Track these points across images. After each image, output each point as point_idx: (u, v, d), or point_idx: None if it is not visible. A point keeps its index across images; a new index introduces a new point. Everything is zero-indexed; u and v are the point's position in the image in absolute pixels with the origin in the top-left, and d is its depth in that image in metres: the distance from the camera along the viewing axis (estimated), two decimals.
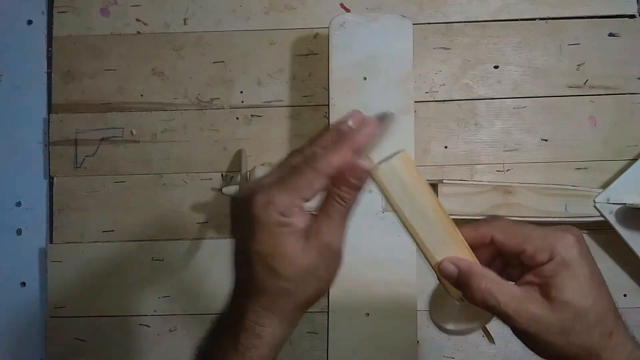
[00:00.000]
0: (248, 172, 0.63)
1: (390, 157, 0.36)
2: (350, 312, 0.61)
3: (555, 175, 0.70)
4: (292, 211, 0.34)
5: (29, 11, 0.77)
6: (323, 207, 0.35)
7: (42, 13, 0.77)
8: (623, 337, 0.36)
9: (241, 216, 0.36)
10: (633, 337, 0.37)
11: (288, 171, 0.35)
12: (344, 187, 0.35)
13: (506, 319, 0.35)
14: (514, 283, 0.36)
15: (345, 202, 0.35)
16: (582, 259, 0.36)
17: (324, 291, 0.37)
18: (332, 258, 0.36)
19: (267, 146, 0.72)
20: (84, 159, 0.75)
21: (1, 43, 0.77)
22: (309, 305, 0.36)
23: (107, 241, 0.74)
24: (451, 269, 0.37)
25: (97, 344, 0.73)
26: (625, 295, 0.70)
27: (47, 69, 0.77)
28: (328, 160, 0.34)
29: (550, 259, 0.35)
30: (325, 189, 0.35)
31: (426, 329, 0.70)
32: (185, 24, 0.75)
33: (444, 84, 0.73)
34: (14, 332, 0.75)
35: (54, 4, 0.76)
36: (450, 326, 0.39)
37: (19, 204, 0.76)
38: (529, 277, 0.35)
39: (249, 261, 0.35)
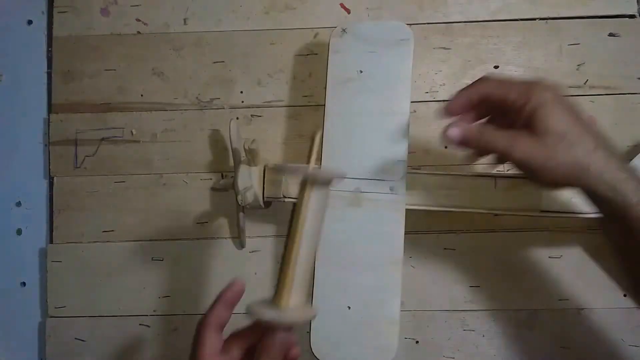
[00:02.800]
0: (244, 144, 0.63)
1: (326, 183, 0.44)
2: (333, 306, 0.61)
3: None
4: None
5: (29, 11, 0.77)
6: None
7: (42, 13, 0.77)
8: (608, 153, 0.42)
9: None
10: (620, 157, 0.42)
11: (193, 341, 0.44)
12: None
13: (506, 154, 0.42)
14: None
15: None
16: (553, 100, 0.42)
17: None
18: None
19: (267, 146, 0.72)
20: (84, 159, 0.75)
21: (1, 43, 0.77)
22: None
23: (107, 241, 0.74)
24: (456, 131, 0.44)
25: (97, 344, 0.73)
26: (625, 295, 0.70)
27: (47, 69, 0.77)
28: (209, 318, 0.45)
29: (526, 102, 0.42)
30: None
31: (426, 329, 0.70)
32: (185, 24, 0.75)
33: (444, 84, 0.73)
34: (13, 332, 0.75)
35: (54, 4, 0.77)
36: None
37: (19, 204, 0.76)
38: (516, 125, 0.43)
39: None
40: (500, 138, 0.42)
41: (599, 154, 0.41)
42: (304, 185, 0.45)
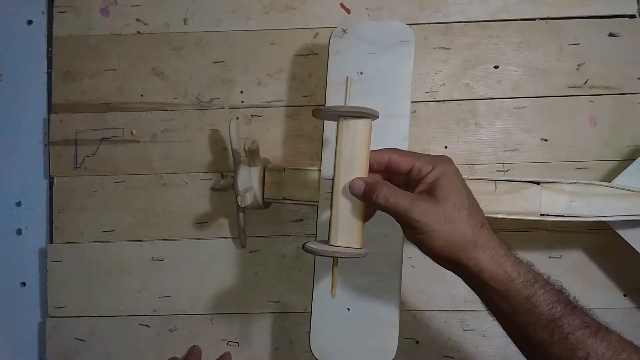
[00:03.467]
0: (244, 145, 0.62)
1: (359, 117, 0.46)
2: (332, 308, 0.61)
3: (555, 175, 0.70)
4: None
5: (29, 11, 0.77)
6: None
7: (42, 13, 0.77)
8: (490, 232, 0.45)
9: None
10: (496, 235, 0.45)
11: None
12: None
13: (404, 213, 0.43)
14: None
15: None
16: (454, 173, 0.45)
17: None
18: None
19: (267, 146, 0.72)
20: (84, 159, 0.75)
21: (1, 43, 0.77)
22: None
23: (107, 241, 0.74)
24: (360, 183, 0.45)
25: (97, 344, 0.73)
26: (625, 295, 0.70)
27: (47, 69, 0.77)
28: None
29: (432, 170, 0.45)
30: None
31: (426, 329, 0.70)
32: (185, 24, 0.75)
33: (444, 84, 0.73)
34: (13, 332, 0.75)
35: (54, 4, 0.77)
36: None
37: (19, 204, 0.76)
38: (418, 189, 0.45)
39: None
40: (401, 196, 0.44)
41: (484, 230, 0.44)
42: (338, 124, 0.46)
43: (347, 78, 0.46)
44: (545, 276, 0.44)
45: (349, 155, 0.46)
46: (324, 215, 0.61)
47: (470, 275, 0.44)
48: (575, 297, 0.44)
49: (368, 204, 0.46)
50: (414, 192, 0.45)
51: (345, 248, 0.46)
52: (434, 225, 0.43)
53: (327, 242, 0.47)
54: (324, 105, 0.62)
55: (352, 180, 0.46)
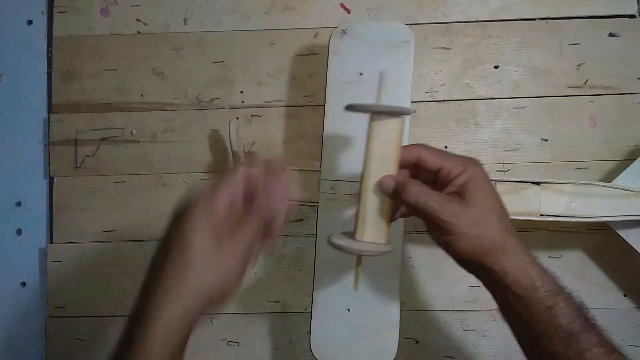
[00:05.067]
0: (243, 147, 0.62)
1: (392, 116, 0.45)
2: (332, 308, 0.61)
3: (555, 175, 0.70)
4: (215, 216, 0.41)
5: (29, 11, 0.77)
6: (240, 235, 0.42)
7: (42, 13, 0.77)
8: (518, 238, 0.44)
9: (177, 217, 0.41)
10: (524, 243, 0.44)
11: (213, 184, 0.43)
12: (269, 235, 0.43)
13: (433, 213, 0.43)
14: None
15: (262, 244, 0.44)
16: (485, 178, 0.45)
17: (221, 295, 0.42)
18: (233, 271, 0.41)
19: (267, 146, 0.72)
20: (84, 159, 0.75)
21: (1, 43, 0.77)
22: (207, 303, 0.41)
23: (107, 241, 0.74)
24: (390, 181, 0.45)
25: (97, 344, 0.73)
26: (625, 295, 0.70)
27: (47, 69, 0.77)
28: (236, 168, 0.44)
29: (463, 172, 0.44)
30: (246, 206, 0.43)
31: (426, 329, 0.70)
32: (185, 24, 0.75)
33: (444, 84, 0.73)
34: (14, 332, 0.75)
35: (54, 4, 0.76)
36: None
37: (19, 204, 0.76)
38: (447, 190, 0.45)
39: (165, 252, 0.41)
40: (431, 196, 0.43)
41: (513, 238, 0.44)
42: (370, 121, 0.46)
43: (381, 73, 0.46)
44: (567, 290, 0.44)
45: (381, 153, 0.46)
46: (324, 215, 0.61)
47: (495, 280, 0.44)
48: (593, 316, 0.44)
49: (397, 201, 0.46)
50: (443, 192, 0.45)
51: (372, 244, 0.46)
52: (463, 228, 0.42)
53: (352, 237, 0.46)
54: (324, 105, 0.62)
55: (382, 178, 0.45)
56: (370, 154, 0.46)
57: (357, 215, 0.47)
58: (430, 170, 0.46)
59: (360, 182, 0.47)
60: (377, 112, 0.45)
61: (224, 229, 0.41)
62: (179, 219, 0.41)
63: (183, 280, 0.39)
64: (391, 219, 0.48)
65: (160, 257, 0.41)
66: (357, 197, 0.47)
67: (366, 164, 0.46)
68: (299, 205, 0.63)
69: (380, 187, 0.45)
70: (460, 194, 0.44)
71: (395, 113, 0.45)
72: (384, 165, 0.46)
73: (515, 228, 0.45)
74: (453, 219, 0.42)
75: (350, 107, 0.46)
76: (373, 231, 0.46)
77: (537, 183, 0.61)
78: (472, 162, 0.45)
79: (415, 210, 0.44)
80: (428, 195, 0.43)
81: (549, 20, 0.73)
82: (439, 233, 0.44)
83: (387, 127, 0.45)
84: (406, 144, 0.61)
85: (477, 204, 0.43)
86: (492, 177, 0.62)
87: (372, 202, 0.46)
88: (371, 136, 0.46)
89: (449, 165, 0.45)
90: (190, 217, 0.40)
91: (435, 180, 0.46)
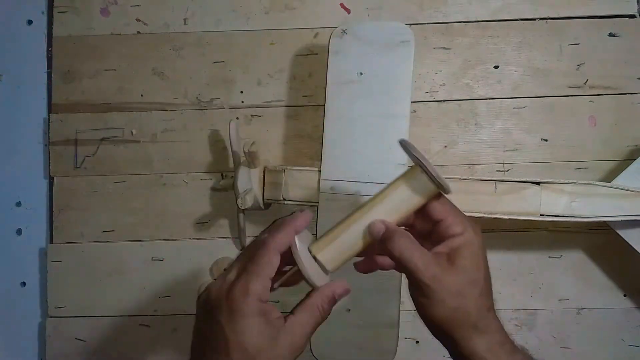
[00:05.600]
0: (243, 147, 0.62)
1: (432, 182, 0.42)
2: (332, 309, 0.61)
3: (555, 175, 0.70)
4: (267, 294, 0.39)
5: (29, 11, 0.77)
6: (301, 313, 0.41)
7: (42, 13, 0.77)
8: (494, 316, 0.43)
9: (214, 311, 0.39)
10: (499, 319, 0.43)
11: (247, 260, 0.40)
12: (326, 300, 0.42)
13: (415, 272, 0.40)
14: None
15: (324, 313, 0.43)
16: (481, 247, 0.43)
17: None
18: (296, 354, 0.40)
19: (267, 146, 0.72)
20: (84, 159, 0.75)
21: (1, 43, 0.77)
22: None
23: (107, 241, 0.74)
24: (380, 226, 0.42)
25: (97, 344, 0.73)
26: (625, 295, 0.70)
27: (47, 69, 0.77)
28: (275, 239, 0.41)
29: (460, 234, 0.42)
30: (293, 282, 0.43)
31: (426, 329, 0.70)
32: (185, 24, 0.75)
33: (444, 84, 0.73)
34: (14, 332, 0.75)
35: (54, 4, 0.76)
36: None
37: (19, 204, 0.76)
38: (438, 248, 0.42)
39: (226, 352, 0.38)
40: (417, 253, 0.41)
41: (490, 314, 0.42)
42: (412, 168, 0.43)
43: (442, 148, 0.44)
44: None
45: (397, 199, 0.43)
46: (324, 215, 0.61)
47: (460, 354, 0.42)
48: None
49: (381, 248, 0.43)
50: (433, 248, 0.42)
51: (314, 264, 0.43)
52: (442, 295, 0.40)
53: (311, 243, 0.44)
54: (324, 105, 0.62)
55: (374, 221, 0.43)
56: (386, 193, 0.43)
57: (329, 230, 0.44)
58: (432, 218, 0.43)
59: (358, 207, 0.44)
60: (423, 168, 0.42)
61: (273, 312, 0.39)
62: (218, 308, 0.39)
63: None
64: (363, 270, 0.46)
65: (207, 354, 0.39)
66: (345, 215, 0.44)
67: (377, 196, 0.43)
68: (299, 205, 0.63)
69: (369, 229, 0.43)
70: (449, 257, 0.41)
71: (437, 183, 0.42)
72: (390, 211, 0.43)
73: (489, 285, 0.43)
74: (434, 283, 0.40)
75: (403, 144, 0.43)
76: (329, 255, 0.43)
77: (537, 183, 0.61)
78: (472, 227, 0.43)
79: (398, 264, 0.42)
80: (414, 251, 0.41)
81: (549, 20, 0.73)
82: (417, 293, 0.42)
83: (420, 186, 0.42)
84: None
85: (463, 273, 0.41)
86: (492, 177, 0.62)
87: (351, 232, 0.43)
88: (401, 181, 0.43)
89: (451, 221, 0.42)
90: (236, 308, 0.38)
91: (432, 230, 0.44)
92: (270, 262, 0.40)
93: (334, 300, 0.43)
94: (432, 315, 0.42)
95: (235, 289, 0.39)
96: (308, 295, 0.43)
